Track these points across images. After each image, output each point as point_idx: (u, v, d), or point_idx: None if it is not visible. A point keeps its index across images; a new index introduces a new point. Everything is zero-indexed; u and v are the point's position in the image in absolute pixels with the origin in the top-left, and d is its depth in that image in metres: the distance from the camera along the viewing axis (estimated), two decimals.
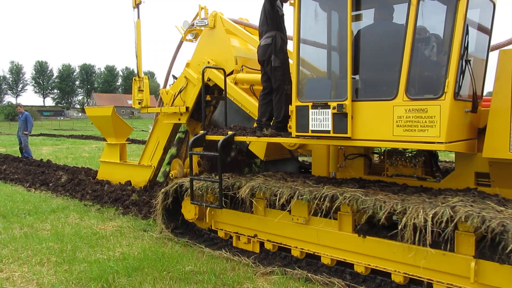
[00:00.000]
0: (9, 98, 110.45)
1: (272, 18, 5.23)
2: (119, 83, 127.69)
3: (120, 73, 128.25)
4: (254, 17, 9.87)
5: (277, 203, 4.81)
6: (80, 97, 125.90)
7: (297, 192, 4.66)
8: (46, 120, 72.61)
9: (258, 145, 6.33)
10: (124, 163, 9.52)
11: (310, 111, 4.53)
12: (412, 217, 3.82)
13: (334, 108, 4.35)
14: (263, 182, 5.14)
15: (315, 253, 4.78)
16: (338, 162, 5.67)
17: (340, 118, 4.34)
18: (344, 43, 4.41)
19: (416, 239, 3.84)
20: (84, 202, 8.42)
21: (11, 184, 10.55)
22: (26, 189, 9.86)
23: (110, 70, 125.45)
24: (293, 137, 4.82)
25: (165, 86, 8.48)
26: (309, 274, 4.66)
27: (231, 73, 6.80)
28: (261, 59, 5.30)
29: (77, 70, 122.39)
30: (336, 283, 4.48)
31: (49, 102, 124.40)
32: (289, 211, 4.88)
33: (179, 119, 7.72)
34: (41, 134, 32.05)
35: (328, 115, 4.41)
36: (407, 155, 5.24)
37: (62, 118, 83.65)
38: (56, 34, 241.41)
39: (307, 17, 4.81)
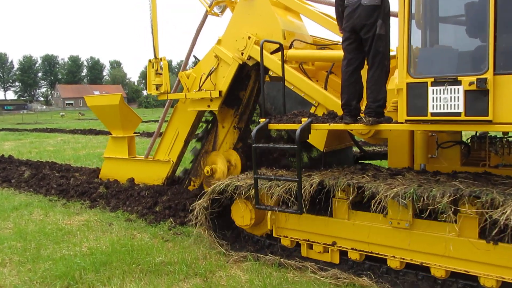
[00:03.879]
0: None
1: None
2: (84, 74, 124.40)
3: (85, 63, 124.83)
4: None
5: (373, 206, 3.98)
6: (43, 89, 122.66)
7: (426, 190, 3.77)
8: (8, 114, 70.18)
9: (317, 134, 5.32)
10: (134, 159, 8.38)
11: (430, 89, 3.67)
12: None
13: (470, 84, 3.46)
14: (352, 179, 4.30)
15: (423, 264, 4.02)
16: (428, 152, 4.92)
17: (476, 97, 3.50)
18: None
19: None
20: (49, 198, 8.06)
21: None
22: None
23: (75, 61, 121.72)
24: (402, 123, 3.94)
25: (184, 69, 7.38)
26: None
27: (278, 50, 5.59)
28: (362, 22, 4.14)
29: (39, 61, 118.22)
30: None
31: (10, 95, 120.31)
32: (383, 212, 4.10)
33: (209, 106, 6.64)
34: (2, 129, 30.79)
35: (458, 93, 3.56)
36: None
37: (25, 112, 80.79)
38: (15, 24, 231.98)
39: None
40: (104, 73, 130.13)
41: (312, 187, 4.35)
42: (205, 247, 5.22)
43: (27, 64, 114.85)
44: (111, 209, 7.15)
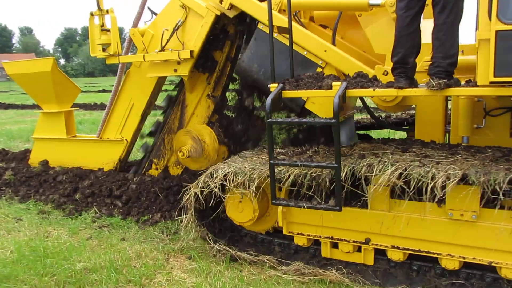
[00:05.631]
0: None
1: None
2: None
3: None
4: None
5: (426, 193, 3.11)
6: None
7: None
8: None
9: (325, 102, 4.25)
10: (75, 139, 6.77)
11: None
12: None
13: None
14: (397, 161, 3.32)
15: (491, 263, 3.24)
16: (473, 122, 4.05)
17: None
18: None
19: None
20: None
21: None
22: None
23: None
24: (483, 86, 3.04)
25: (136, 25, 5.78)
26: None
27: None
28: None
29: None
30: None
31: None
32: (439, 202, 3.24)
33: (175, 70, 5.25)
34: None
35: None
36: None
37: None
38: None
39: None
40: (14, 41, 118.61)
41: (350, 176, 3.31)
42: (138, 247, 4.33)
43: None
44: (20, 200, 6.00)
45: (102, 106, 18.90)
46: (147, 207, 5.32)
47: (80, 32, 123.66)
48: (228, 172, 3.75)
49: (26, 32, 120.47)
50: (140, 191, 5.55)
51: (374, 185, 3.28)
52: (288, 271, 3.72)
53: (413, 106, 4.49)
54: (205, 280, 3.64)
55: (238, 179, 3.67)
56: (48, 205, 5.69)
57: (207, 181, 3.81)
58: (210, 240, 4.06)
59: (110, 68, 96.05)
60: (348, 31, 5.08)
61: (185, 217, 3.90)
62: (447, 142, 4.35)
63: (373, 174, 3.22)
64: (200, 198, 3.84)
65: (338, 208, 3.27)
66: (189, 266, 3.93)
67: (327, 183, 3.35)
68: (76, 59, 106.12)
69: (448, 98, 4.38)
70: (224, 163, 3.97)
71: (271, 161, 3.36)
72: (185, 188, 3.96)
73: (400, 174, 3.15)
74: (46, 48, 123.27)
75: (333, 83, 3.31)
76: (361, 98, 4.70)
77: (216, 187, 3.75)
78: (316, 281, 3.57)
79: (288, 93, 3.47)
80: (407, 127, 5.32)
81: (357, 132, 5.16)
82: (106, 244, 4.45)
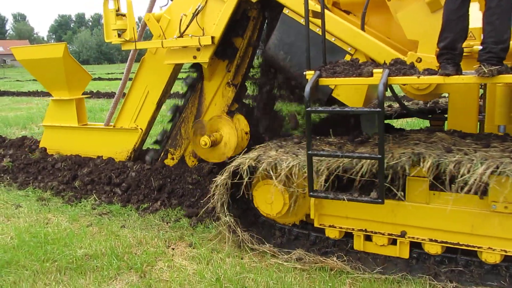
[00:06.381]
0: None
1: None
2: None
3: None
4: None
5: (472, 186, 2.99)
6: None
7: None
8: None
9: (353, 90, 4.13)
10: (87, 127, 6.55)
11: None
12: None
13: None
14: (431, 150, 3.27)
15: None
16: (511, 110, 3.88)
17: None
18: None
19: None
20: None
21: None
22: None
23: None
24: None
25: (150, 10, 5.54)
26: None
27: None
28: None
29: None
30: None
31: None
32: (481, 194, 3.15)
33: (195, 57, 5.02)
34: None
35: None
36: None
37: None
38: None
39: None
40: (7, 27, 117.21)
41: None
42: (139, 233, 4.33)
43: None
44: (19, 186, 5.96)
45: (98, 94, 18.73)
46: (147, 195, 5.28)
47: (74, 19, 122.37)
48: (292, 164, 3.55)
49: (20, 18, 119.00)
50: (139, 179, 5.50)
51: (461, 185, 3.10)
52: (289, 258, 3.68)
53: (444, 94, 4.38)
54: (206, 267, 3.64)
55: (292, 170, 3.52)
56: (47, 192, 5.65)
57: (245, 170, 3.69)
58: (239, 230, 3.95)
59: (105, 56, 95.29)
60: (372, 16, 4.93)
61: (218, 204, 3.79)
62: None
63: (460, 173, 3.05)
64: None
65: (380, 201, 3.15)
66: (190, 253, 3.92)
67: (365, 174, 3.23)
68: (70, 47, 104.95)
69: (481, 85, 4.26)
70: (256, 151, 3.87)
71: (309, 152, 3.22)
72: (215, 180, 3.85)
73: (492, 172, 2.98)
74: (40, 35, 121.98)
75: (374, 70, 3.17)
76: (390, 86, 4.57)
77: (247, 176, 3.65)
78: (317, 268, 3.56)
79: (326, 81, 3.33)
80: (430, 115, 5.20)
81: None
82: (106, 231, 4.41)
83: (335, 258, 3.60)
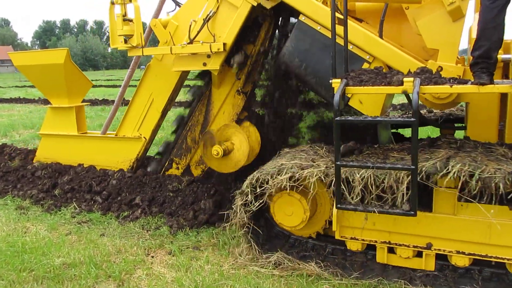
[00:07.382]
0: None
1: None
2: None
3: None
4: None
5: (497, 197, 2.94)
6: None
7: None
8: None
9: (374, 99, 4.01)
10: (87, 136, 6.31)
11: None
12: None
13: None
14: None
15: None
16: None
17: None
18: None
19: None
20: None
21: None
22: None
23: None
24: None
25: (157, 16, 5.42)
26: None
27: None
28: None
29: None
30: None
31: None
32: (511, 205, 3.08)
33: (205, 64, 4.90)
34: None
35: None
36: None
37: None
38: None
39: None
40: None
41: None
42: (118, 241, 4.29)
43: None
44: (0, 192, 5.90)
45: (88, 101, 18.35)
46: (128, 203, 5.17)
47: (59, 25, 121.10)
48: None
49: (3, 23, 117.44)
50: (120, 187, 5.41)
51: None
52: (266, 264, 3.66)
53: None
54: (185, 275, 3.60)
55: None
56: (26, 201, 5.53)
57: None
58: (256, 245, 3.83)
59: (90, 63, 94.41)
60: (386, 25, 4.90)
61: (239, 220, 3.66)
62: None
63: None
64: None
65: (413, 213, 3.06)
66: (169, 261, 3.89)
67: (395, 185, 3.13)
68: None
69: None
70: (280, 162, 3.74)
71: (338, 162, 3.11)
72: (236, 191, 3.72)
73: None
74: (24, 40, 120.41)
75: (405, 79, 3.10)
76: (407, 95, 4.52)
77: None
78: (295, 275, 3.53)
79: (353, 89, 3.24)
80: (448, 124, 5.14)
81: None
82: (85, 239, 4.36)
83: (313, 264, 3.59)
